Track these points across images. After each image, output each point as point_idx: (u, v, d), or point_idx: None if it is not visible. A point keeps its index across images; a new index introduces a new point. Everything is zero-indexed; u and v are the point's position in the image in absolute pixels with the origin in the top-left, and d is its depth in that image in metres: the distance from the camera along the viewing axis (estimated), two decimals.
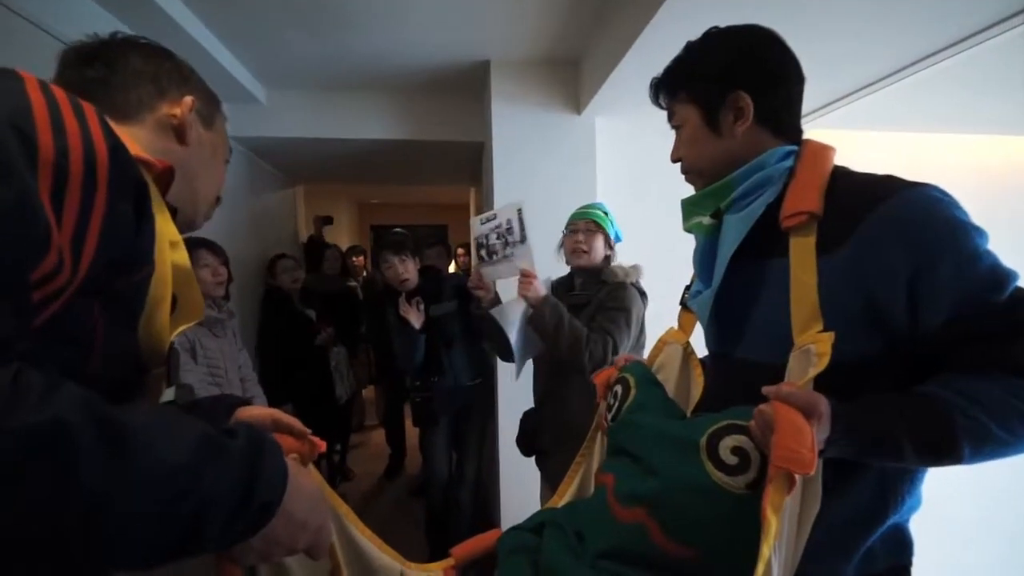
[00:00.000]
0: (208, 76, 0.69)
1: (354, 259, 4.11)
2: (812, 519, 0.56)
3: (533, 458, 1.71)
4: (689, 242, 1.01)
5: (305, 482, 0.48)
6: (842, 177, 0.67)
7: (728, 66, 0.72)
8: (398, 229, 3.51)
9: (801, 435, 0.52)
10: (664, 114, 0.82)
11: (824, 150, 0.71)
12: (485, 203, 2.72)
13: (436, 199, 6.42)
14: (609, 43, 1.85)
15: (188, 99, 0.60)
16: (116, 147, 0.43)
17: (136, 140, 0.53)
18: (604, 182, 2.26)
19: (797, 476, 0.52)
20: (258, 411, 0.74)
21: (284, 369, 2.67)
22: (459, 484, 2.33)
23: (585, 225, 1.57)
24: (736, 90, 0.71)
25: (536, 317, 1.44)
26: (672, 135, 0.82)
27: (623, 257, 1.63)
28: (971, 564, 2.17)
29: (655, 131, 2.33)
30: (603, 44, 1.92)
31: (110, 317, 0.45)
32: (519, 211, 1.46)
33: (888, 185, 0.63)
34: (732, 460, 0.63)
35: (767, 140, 0.73)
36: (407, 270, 2.12)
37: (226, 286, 1.84)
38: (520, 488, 2.24)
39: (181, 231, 0.61)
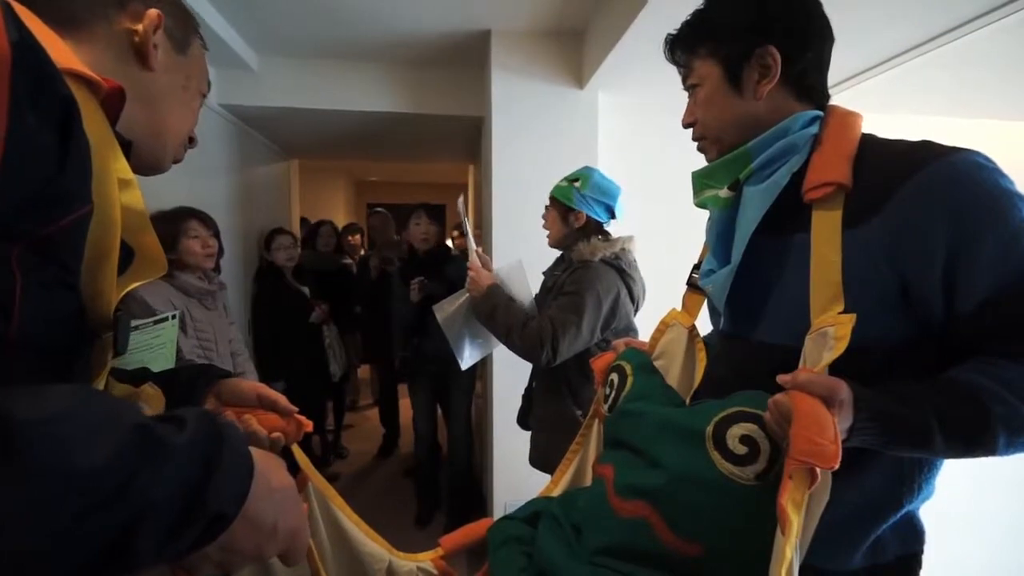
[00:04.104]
0: None
1: (350, 238, 4.06)
2: (821, 509, 0.53)
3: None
4: (695, 221, 0.96)
5: (276, 480, 0.42)
6: (872, 145, 0.62)
7: (756, 17, 0.66)
8: (379, 208, 3.53)
9: (822, 426, 0.48)
10: (669, 90, 0.76)
11: (852, 116, 0.65)
12: (484, 181, 2.66)
13: (434, 178, 6.31)
14: (614, 14, 1.76)
15: (153, 12, 0.51)
16: (26, 45, 0.34)
17: (82, 55, 0.44)
18: (606, 160, 2.19)
19: (819, 470, 0.48)
20: (242, 384, 0.69)
21: (277, 345, 2.64)
22: (450, 452, 2.60)
23: (549, 202, 1.52)
24: (764, 44, 0.65)
25: (473, 307, 1.49)
26: (680, 108, 0.76)
27: (623, 234, 1.53)
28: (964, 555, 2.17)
29: (659, 108, 2.30)
30: (608, 15, 1.84)
31: (35, 269, 0.36)
32: (461, 202, 1.55)
33: (925, 151, 0.58)
34: (741, 450, 0.59)
35: (791, 104, 0.67)
36: (431, 233, 2.47)
37: (216, 259, 1.78)
38: (512, 465, 2.23)
39: (143, 171, 0.54)
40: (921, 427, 0.53)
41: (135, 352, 1.03)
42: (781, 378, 0.54)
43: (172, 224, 1.63)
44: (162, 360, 1.19)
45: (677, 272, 1.27)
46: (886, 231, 0.56)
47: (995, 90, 2.14)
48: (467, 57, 2.39)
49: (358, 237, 4.15)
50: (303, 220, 4.25)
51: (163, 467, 0.32)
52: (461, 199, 1.55)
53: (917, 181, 0.55)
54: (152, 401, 0.64)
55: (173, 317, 1.09)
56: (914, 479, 0.61)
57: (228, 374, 0.71)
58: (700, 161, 0.77)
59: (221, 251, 1.81)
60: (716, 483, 0.59)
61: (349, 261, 3.71)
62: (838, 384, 0.51)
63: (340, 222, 4.72)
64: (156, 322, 1.04)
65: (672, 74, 0.79)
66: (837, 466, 0.47)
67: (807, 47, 0.66)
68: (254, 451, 0.40)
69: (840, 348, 0.53)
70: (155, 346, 1.01)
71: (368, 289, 3.27)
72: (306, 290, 2.83)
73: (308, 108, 2.53)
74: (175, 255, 1.63)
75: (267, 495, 0.40)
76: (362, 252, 4.08)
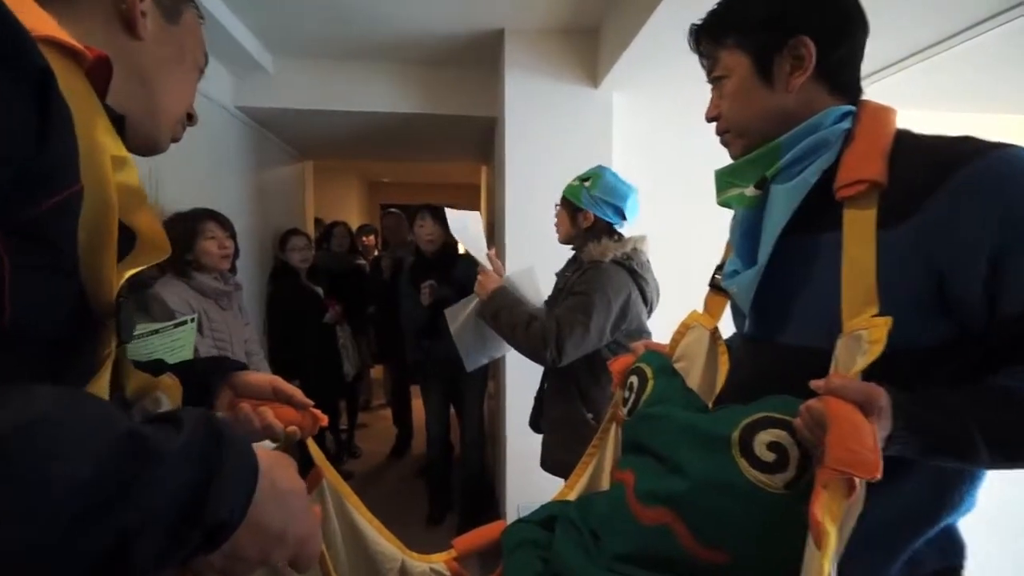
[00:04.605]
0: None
1: (364, 239, 4.08)
2: (854, 521, 0.51)
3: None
4: (714, 222, 0.93)
5: (285, 481, 0.39)
6: (908, 141, 0.59)
7: (790, 6, 0.63)
8: (393, 209, 3.55)
9: (860, 433, 0.46)
10: (686, 88, 0.74)
11: (886, 111, 0.62)
12: (497, 181, 2.65)
13: (447, 179, 6.32)
14: (629, 10, 1.74)
15: None
16: None
17: (65, 25, 0.41)
18: (621, 160, 2.17)
19: (857, 480, 0.46)
20: (257, 377, 0.69)
21: (291, 345, 2.66)
22: (463, 452, 2.62)
23: (560, 201, 1.51)
24: (798, 35, 0.62)
25: (480, 309, 1.48)
26: (697, 107, 0.74)
27: (637, 234, 1.50)
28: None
29: (675, 107, 2.27)
30: (623, 12, 1.82)
31: (24, 253, 0.34)
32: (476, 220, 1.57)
33: (967, 147, 0.55)
34: (768, 457, 0.57)
35: (822, 97, 0.64)
36: (436, 234, 2.45)
37: (232, 260, 1.80)
38: (525, 467, 2.22)
39: (140, 151, 0.51)
40: (963, 437, 0.50)
41: (154, 356, 1.04)
42: (814, 383, 0.52)
43: (189, 225, 1.65)
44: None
45: (694, 273, 1.24)
46: (926, 230, 0.54)
47: (1004, 88, 2.09)
48: (480, 57, 2.38)
49: (372, 238, 4.17)
50: (317, 221, 4.28)
51: (157, 474, 0.30)
52: (450, 213, 1.53)
53: (962, 177, 0.53)
54: (171, 391, 0.64)
55: (192, 320, 1.09)
56: (955, 491, 0.59)
57: (244, 366, 0.71)
58: (719, 161, 0.75)
59: (237, 252, 1.82)
60: (742, 490, 0.57)
61: (363, 262, 3.73)
62: (876, 390, 0.49)
63: (354, 223, 4.75)
64: (176, 325, 1.04)
65: (689, 72, 0.77)
66: (879, 476, 0.44)
67: (843, 38, 0.63)
68: (260, 451, 0.38)
69: (875, 352, 0.51)
70: (175, 348, 1.01)
71: (380, 289, 3.28)
72: (320, 290, 2.84)
73: (322, 109, 2.54)
74: (192, 256, 1.64)
75: (274, 499, 0.37)
76: (376, 252, 4.11)
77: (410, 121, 2.72)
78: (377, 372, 4.38)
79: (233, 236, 1.77)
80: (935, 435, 0.51)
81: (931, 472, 0.57)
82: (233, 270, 1.82)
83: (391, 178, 6.82)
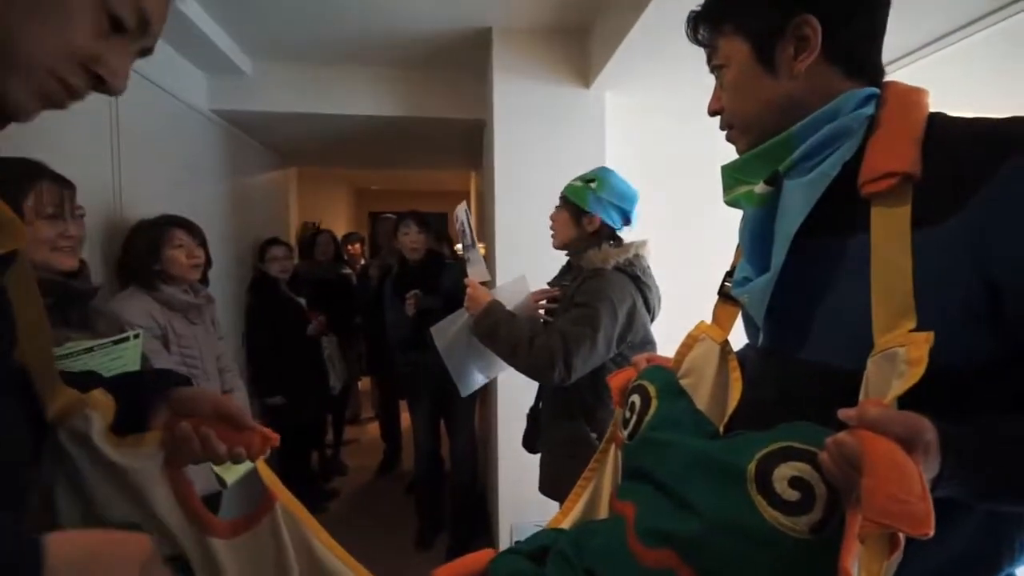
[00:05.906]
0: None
1: (350, 247, 3.99)
2: (892, 571, 0.43)
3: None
4: (716, 226, 0.86)
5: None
6: (944, 126, 0.51)
7: None
8: (388, 214, 3.47)
9: (906, 478, 0.38)
10: (681, 87, 0.67)
11: (915, 92, 0.55)
12: (486, 187, 2.57)
13: (436, 186, 6.25)
14: (620, 7, 1.69)
15: None
16: None
17: None
18: (614, 162, 2.10)
19: (902, 535, 0.38)
20: (199, 394, 0.62)
21: (274, 359, 2.55)
22: (454, 467, 2.53)
23: (560, 202, 1.42)
24: (800, 14, 0.55)
25: (474, 327, 1.35)
26: (694, 106, 0.67)
27: (636, 239, 1.42)
28: None
29: (671, 107, 2.21)
30: (614, 8, 1.76)
31: None
32: (465, 211, 1.43)
33: (1022, 128, 0.47)
34: (791, 495, 0.49)
35: (837, 82, 0.57)
36: (420, 242, 2.41)
37: (203, 270, 1.70)
38: (519, 484, 2.13)
39: None
40: None
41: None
42: (844, 413, 0.44)
43: (154, 233, 1.55)
44: None
45: (693, 281, 1.16)
46: (976, 228, 0.46)
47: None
48: (467, 57, 2.31)
49: (358, 246, 4.08)
50: (311, 226, 4.14)
51: None
52: (463, 206, 1.46)
53: (1015, 165, 0.45)
54: (101, 408, 0.56)
55: (136, 336, 0.99)
56: (1014, 537, 0.51)
57: (187, 381, 0.64)
58: (721, 160, 0.68)
59: (209, 262, 1.72)
60: (760, 534, 0.49)
61: (349, 271, 3.64)
62: (920, 422, 0.41)
63: (340, 231, 4.66)
64: (116, 342, 0.94)
65: (685, 71, 0.71)
66: (931, 532, 0.36)
67: (855, 14, 0.56)
68: (72, 546, 0.28)
69: (915, 375, 0.43)
70: (113, 369, 0.91)
71: (369, 298, 3.19)
72: (303, 301, 2.74)
73: (303, 112, 2.46)
74: (159, 266, 1.54)
75: None
76: (363, 261, 4.02)
77: (395, 124, 2.65)
78: (365, 384, 4.27)
79: (203, 244, 1.67)
80: (993, 474, 0.43)
81: (983, 515, 0.49)
82: (204, 281, 1.72)
83: (379, 186, 6.74)
